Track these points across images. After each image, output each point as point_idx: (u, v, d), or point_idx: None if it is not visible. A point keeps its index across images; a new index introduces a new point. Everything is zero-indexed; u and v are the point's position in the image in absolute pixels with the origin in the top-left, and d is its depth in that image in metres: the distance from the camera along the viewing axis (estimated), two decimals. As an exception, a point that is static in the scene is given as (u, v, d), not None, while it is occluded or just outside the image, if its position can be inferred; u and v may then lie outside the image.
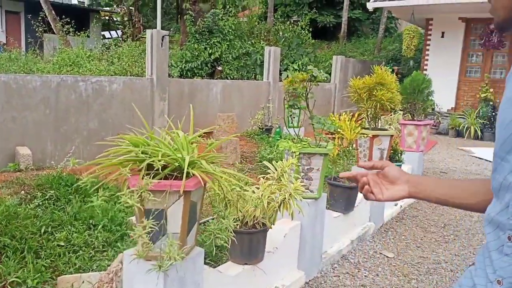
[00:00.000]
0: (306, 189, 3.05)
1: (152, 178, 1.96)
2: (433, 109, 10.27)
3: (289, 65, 10.54)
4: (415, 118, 5.35)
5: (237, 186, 2.10)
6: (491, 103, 10.67)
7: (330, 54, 15.19)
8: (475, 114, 10.56)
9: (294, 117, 3.05)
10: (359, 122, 3.91)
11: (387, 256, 3.73)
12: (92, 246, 3.17)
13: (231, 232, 2.14)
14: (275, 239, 2.93)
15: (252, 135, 7.56)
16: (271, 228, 2.64)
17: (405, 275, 3.41)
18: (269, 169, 2.72)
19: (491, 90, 10.75)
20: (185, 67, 9.81)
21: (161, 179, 1.99)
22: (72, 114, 5.63)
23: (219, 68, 10.21)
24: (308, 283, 3.21)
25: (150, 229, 1.82)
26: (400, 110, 5.67)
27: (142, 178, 1.85)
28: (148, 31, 6.54)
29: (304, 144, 2.97)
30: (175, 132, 2.08)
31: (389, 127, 5.62)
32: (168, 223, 1.96)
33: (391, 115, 5.84)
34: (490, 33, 10.09)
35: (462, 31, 11.25)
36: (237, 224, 2.56)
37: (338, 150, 3.73)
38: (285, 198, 2.46)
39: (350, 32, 19.03)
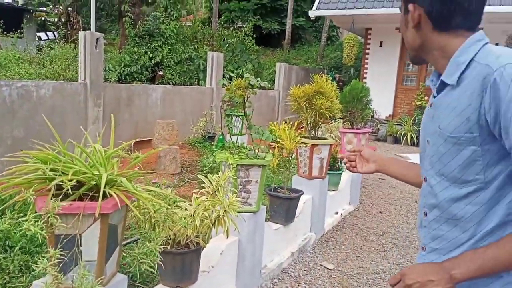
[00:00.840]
0: (244, 202, 2.91)
1: (66, 198, 1.74)
2: (372, 116, 10.59)
3: (232, 71, 10.42)
4: (354, 126, 5.40)
5: (163, 207, 1.91)
6: (425, 110, 11.17)
7: (274, 60, 15.30)
8: (411, 121, 11.00)
9: (231, 127, 2.91)
10: (300, 131, 3.84)
11: (327, 268, 3.68)
12: (7, 271, 2.82)
13: (157, 256, 1.95)
14: (211, 257, 2.76)
15: (194, 143, 7.34)
16: (205, 247, 2.47)
17: (345, 287, 3.36)
18: (209, 181, 2.55)
19: (426, 98, 11.26)
20: (123, 71, 9.38)
21: (75, 199, 1.77)
22: (-7, 121, 5.14)
23: (160, 72, 9.88)
24: (247, 301, 3.07)
25: (58, 260, 1.59)
26: (340, 118, 5.72)
27: (52, 200, 1.62)
28: (81, 33, 6.16)
29: (242, 156, 2.84)
30: (92, 146, 1.86)
31: (329, 135, 5.64)
32: (83, 250, 1.74)
33: (331, 123, 5.87)
34: (424, 44, 10.56)
35: (399, 40, 11.71)
36: (168, 244, 2.37)
37: (278, 160, 3.63)
38: (219, 215, 2.30)
39: (294, 39, 19.32)
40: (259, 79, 2.92)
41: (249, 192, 2.90)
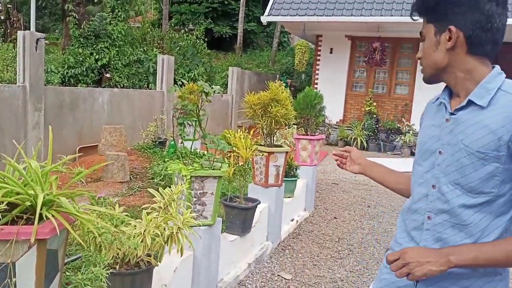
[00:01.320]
0: (199, 215, 2.76)
1: (-4, 221, 1.52)
2: (323, 121, 10.72)
3: (184, 75, 10.18)
4: (308, 133, 5.39)
5: (108, 229, 1.72)
6: (374, 116, 11.48)
7: (226, 64, 15.17)
8: (361, 126, 11.26)
9: (184, 136, 2.76)
10: (255, 139, 3.74)
11: (285, 278, 3.59)
12: None
13: (104, 282, 1.76)
14: (164, 275, 2.59)
15: (144, 149, 7.04)
16: (157, 266, 2.29)
17: (303, 298, 3.29)
18: (161, 195, 2.37)
19: (374, 104, 11.58)
20: (67, 73, 8.87)
21: (7, 223, 1.55)
22: None
23: (107, 75, 9.45)
24: (202, 318, 2.91)
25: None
26: (294, 124, 5.69)
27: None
28: (20, 33, 5.73)
29: (196, 166, 2.68)
30: (26, 162, 1.65)
31: (284, 141, 5.59)
32: (17, 281, 1.52)
33: (285, 129, 5.83)
34: (373, 51, 10.86)
35: (349, 48, 11.98)
36: (117, 263, 2.18)
37: (234, 169, 3.50)
38: (172, 233, 2.13)
39: (246, 43, 19.30)
40: (213, 86, 2.78)
41: (204, 205, 2.75)
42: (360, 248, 4.37)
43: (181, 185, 2.39)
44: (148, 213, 2.24)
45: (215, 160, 2.78)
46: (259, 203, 3.65)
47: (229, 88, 11.31)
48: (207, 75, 11.73)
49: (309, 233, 4.73)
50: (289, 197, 4.83)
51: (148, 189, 2.50)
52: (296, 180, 4.96)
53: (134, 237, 2.06)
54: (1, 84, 6.03)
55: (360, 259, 4.07)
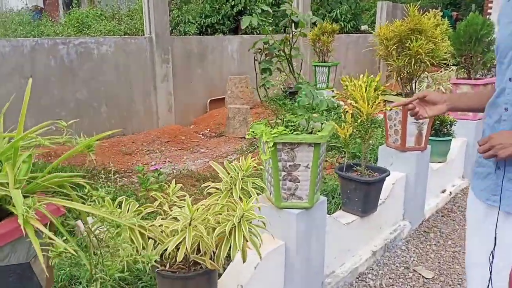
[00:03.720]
0: (290, 194, 2.03)
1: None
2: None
3: (325, 15, 9.15)
4: (471, 76, 4.02)
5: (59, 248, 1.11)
6: None
7: (376, 1, 13.40)
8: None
9: (267, 86, 2.03)
10: (383, 87, 2.74)
11: (423, 276, 2.66)
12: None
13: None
14: (243, 272, 1.97)
15: (273, 101, 6.47)
16: (218, 270, 1.66)
17: (447, 311, 2.35)
18: (226, 171, 1.73)
19: None
20: (204, 23, 8.71)
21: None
22: (54, 84, 4.85)
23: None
24: (301, 323, 2.25)
25: None
26: (453, 65, 4.36)
27: None
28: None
29: (282, 130, 1.92)
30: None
31: (438, 88, 4.34)
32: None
33: (440, 71, 4.53)
34: None
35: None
36: (171, 261, 1.63)
37: (353, 129, 2.63)
38: (223, 232, 1.46)
39: (403, -26, 16.80)
40: (310, 14, 1.92)
41: (297, 181, 2.00)
42: (543, 239, 3.09)
43: (253, 159, 1.69)
44: (191, 204, 1.60)
45: (310, 119, 1.98)
46: (388, 174, 2.71)
47: (377, 26, 9.84)
48: (351, 14, 10.41)
49: (466, 210, 3.58)
50: (439, 161, 3.72)
51: (211, 161, 1.85)
52: (450, 139, 3.77)
53: (172, 232, 1.46)
54: (127, 37, 6.04)
55: (544, 258, 2.84)
